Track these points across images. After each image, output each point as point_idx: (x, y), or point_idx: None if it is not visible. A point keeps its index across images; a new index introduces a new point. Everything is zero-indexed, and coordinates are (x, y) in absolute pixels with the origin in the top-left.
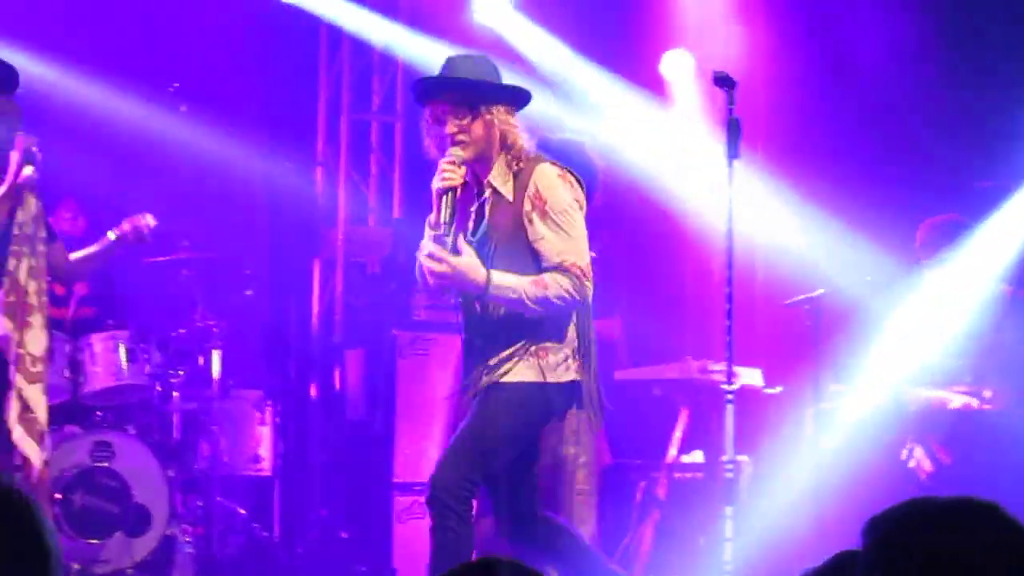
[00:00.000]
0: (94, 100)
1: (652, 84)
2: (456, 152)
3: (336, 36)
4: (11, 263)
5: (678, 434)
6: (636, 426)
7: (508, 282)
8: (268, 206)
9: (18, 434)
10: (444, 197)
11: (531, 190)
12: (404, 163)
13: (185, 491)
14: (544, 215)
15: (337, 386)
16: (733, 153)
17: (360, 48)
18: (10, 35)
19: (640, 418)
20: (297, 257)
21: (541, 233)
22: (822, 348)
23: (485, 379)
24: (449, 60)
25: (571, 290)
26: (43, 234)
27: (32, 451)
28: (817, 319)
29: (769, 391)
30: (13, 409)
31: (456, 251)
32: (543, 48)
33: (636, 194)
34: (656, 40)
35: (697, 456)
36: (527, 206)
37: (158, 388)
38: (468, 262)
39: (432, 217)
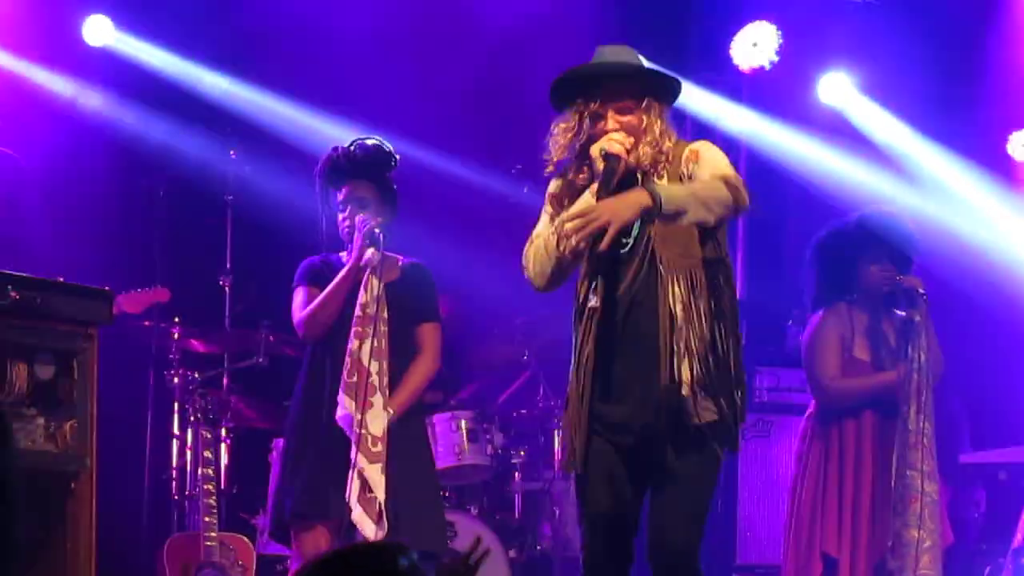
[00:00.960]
0: (442, 179)
1: (1000, 165)
2: (617, 146)
3: (679, 117)
4: (354, 344)
5: None
6: (982, 510)
7: (673, 187)
8: None
9: (357, 514)
10: (614, 163)
11: (686, 155)
12: (747, 244)
13: (527, 572)
14: (699, 160)
15: None
16: None
17: (703, 129)
18: (357, 117)
19: (986, 502)
20: None
21: (698, 173)
22: None
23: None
24: (602, 49)
25: (737, 192)
26: (386, 315)
27: (370, 530)
28: None
29: None
30: (354, 489)
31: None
32: (886, 129)
33: (983, 276)
34: (1004, 120)
35: None
36: (684, 169)
37: (499, 468)
38: (610, 198)
39: (597, 189)
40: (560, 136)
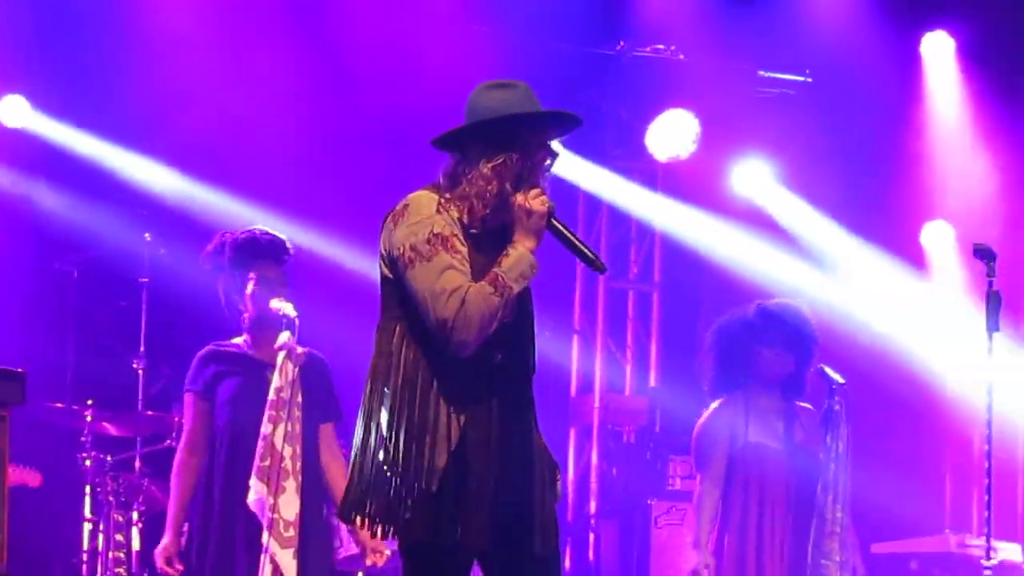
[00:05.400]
0: (347, 260)
1: (912, 255)
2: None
3: (594, 205)
4: (267, 427)
5: None
6: None
7: None
8: None
9: None
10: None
11: None
12: (661, 333)
13: None
14: None
15: (591, 556)
16: (993, 326)
17: (618, 217)
18: (270, 199)
19: None
20: (553, 424)
21: None
22: None
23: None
24: (522, 90)
25: None
26: (299, 399)
27: None
28: None
29: None
30: (265, 574)
31: None
32: (802, 218)
33: (895, 365)
34: (916, 212)
35: None
36: None
37: None
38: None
39: (580, 254)
40: (494, 178)
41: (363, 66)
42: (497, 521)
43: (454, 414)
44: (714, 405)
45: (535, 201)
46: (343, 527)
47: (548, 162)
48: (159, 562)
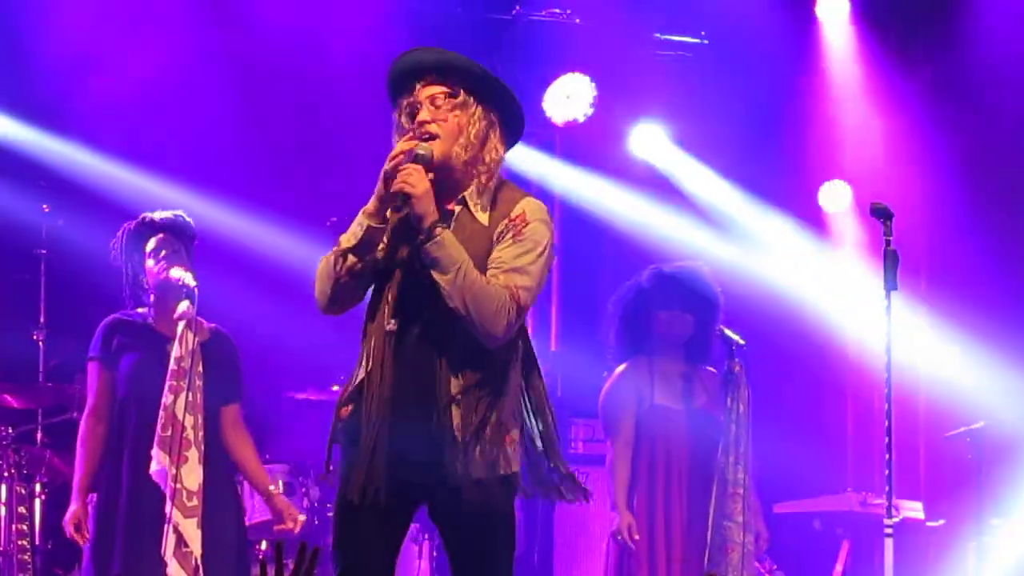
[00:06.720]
0: (251, 235)
1: (810, 216)
2: (424, 148)
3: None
4: (167, 398)
5: (839, 567)
6: (796, 558)
7: (456, 248)
8: None
9: (173, 569)
10: (399, 202)
11: (516, 212)
12: (561, 297)
13: None
14: (517, 236)
15: None
16: (891, 284)
17: (516, 181)
18: (171, 171)
19: (801, 551)
20: None
21: (501, 251)
22: (984, 481)
23: (461, 467)
24: (426, 47)
25: (510, 310)
26: (200, 368)
27: None
28: (979, 452)
29: (931, 524)
30: (169, 544)
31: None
32: (700, 180)
33: (795, 326)
34: (814, 172)
35: None
36: (502, 227)
37: (316, 522)
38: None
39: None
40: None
41: (263, 32)
42: (398, 478)
43: (359, 375)
44: (619, 370)
45: (388, 164)
46: (254, 495)
47: (403, 115)
48: (69, 529)
